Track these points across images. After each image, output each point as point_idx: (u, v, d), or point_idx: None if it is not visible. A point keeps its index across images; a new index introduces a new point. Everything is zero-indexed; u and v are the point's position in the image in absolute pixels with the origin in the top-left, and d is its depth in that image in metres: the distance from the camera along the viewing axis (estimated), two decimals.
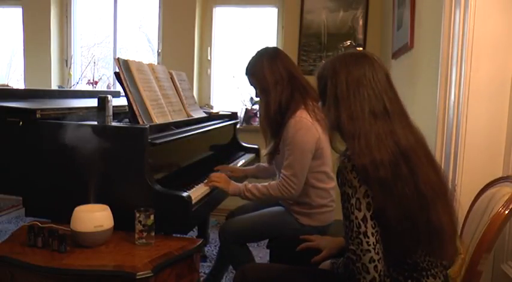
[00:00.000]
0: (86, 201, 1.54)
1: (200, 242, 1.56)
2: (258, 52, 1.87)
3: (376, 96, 1.12)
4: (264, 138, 1.91)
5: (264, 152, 1.98)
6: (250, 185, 1.78)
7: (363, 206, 1.07)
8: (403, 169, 1.07)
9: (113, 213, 1.49)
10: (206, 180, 1.84)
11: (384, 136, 1.09)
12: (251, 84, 1.90)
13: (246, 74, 1.89)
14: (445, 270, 1.18)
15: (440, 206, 1.11)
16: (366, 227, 1.07)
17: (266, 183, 1.77)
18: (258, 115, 1.92)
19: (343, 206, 1.11)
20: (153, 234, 1.48)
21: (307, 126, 1.72)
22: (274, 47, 1.93)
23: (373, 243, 1.07)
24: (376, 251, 1.07)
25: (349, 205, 1.08)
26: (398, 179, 1.06)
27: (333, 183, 1.85)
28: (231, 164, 2.33)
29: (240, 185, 1.81)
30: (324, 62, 1.23)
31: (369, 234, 1.07)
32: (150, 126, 1.62)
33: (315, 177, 1.78)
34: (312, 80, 2.39)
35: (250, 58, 1.88)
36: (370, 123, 1.10)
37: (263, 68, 1.80)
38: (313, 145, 1.72)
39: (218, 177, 1.84)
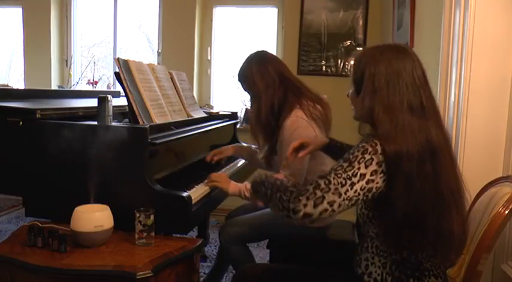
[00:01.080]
0: (86, 201, 1.54)
1: (200, 242, 1.56)
2: (247, 58, 1.88)
3: (414, 90, 1.11)
4: (257, 143, 1.91)
5: (258, 155, 1.98)
6: (250, 185, 1.77)
7: (371, 168, 1.05)
8: (427, 167, 1.06)
9: (113, 213, 1.49)
10: (206, 180, 1.84)
11: (417, 131, 1.08)
12: (244, 90, 1.90)
13: (238, 80, 1.90)
14: (445, 270, 1.19)
15: (455, 212, 1.10)
16: (358, 182, 1.05)
17: None
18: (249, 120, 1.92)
19: (353, 153, 1.07)
20: (153, 234, 1.48)
21: (304, 125, 1.72)
22: (262, 51, 1.91)
23: (347, 198, 1.05)
24: (339, 205, 1.04)
25: (361, 157, 1.06)
26: (422, 175, 1.05)
27: None
28: (231, 164, 2.33)
29: (240, 184, 1.81)
30: (361, 49, 1.21)
31: (355, 189, 1.05)
32: (150, 126, 1.62)
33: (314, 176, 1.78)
34: (313, 80, 2.39)
35: (241, 64, 1.89)
36: (407, 115, 1.09)
37: (252, 74, 1.80)
38: None
39: (218, 177, 1.83)
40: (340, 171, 1.06)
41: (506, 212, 1.17)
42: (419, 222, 1.07)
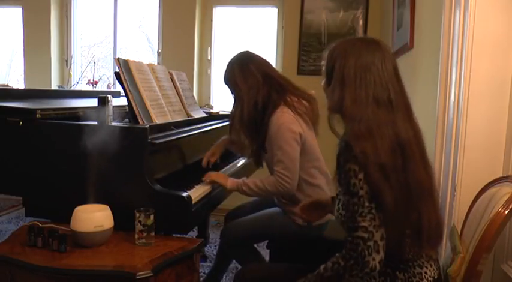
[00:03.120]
0: (86, 201, 1.54)
1: (200, 242, 1.56)
2: (230, 59, 1.88)
3: (381, 84, 1.12)
4: (237, 144, 1.92)
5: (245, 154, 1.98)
6: (248, 180, 1.78)
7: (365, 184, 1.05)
8: (398, 160, 1.07)
9: (113, 213, 1.49)
10: (204, 177, 1.84)
11: (384, 124, 1.08)
12: (231, 93, 1.90)
13: (224, 83, 1.90)
14: (432, 261, 1.19)
15: (425, 204, 1.11)
16: (374, 203, 1.05)
17: (264, 178, 1.76)
18: (230, 123, 1.92)
19: (348, 183, 1.07)
20: (153, 234, 1.48)
21: (290, 119, 1.73)
22: (244, 52, 1.90)
23: (380, 221, 1.05)
24: (383, 230, 1.05)
25: (357, 180, 1.06)
26: (394, 168, 1.06)
27: (325, 179, 1.85)
28: (231, 164, 2.33)
29: (238, 180, 1.81)
30: (334, 42, 1.21)
31: (378, 210, 1.05)
32: (150, 126, 1.62)
33: (306, 173, 1.78)
34: (313, 80, 2.39)
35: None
36: (372, 109, 1.10)
37: (234, 75, 1.81)
38: (298, 136, 1.72)
39: (216, 174, 1.85)
40: (360, 210, 1.06)
41: (506, 212, 1.17)
42: (395, 214, 1.07)
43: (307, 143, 1.77)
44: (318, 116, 1.86)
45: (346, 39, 1.21)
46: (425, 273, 1.16)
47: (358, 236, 1.06)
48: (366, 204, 1.06)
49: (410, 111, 1.16)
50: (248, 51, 1.90)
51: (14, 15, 4.18)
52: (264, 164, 1.94)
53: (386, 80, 1.12)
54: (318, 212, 1.54)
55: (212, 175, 1.85)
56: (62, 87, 3.93)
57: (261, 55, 1.90)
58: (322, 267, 1.14)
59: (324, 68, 1.24)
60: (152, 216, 1.46)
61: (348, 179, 1.08)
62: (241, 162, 2.41)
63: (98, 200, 1.54)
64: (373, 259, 1.04)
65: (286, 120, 1.72)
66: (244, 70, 1.80)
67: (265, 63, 1.86)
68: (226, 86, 1.90)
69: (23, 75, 4.09)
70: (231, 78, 1.83)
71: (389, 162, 1.05)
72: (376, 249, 1.04)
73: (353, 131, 1.09)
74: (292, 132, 1.71)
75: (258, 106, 1.78)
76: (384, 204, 1.05)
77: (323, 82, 1.25)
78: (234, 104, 1.88)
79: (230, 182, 1.80)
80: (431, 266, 1.18)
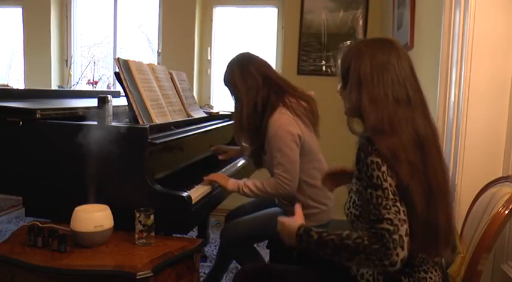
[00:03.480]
0: (86, 201, 1.54)
1: (200, 242, 1.56)
2: (230, 61, 1.88)
3: (399, 82, 1.11)
4: (239, 145, 1.94)
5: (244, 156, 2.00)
6: (248, 182, 1.78)
7: (392, 177, 1.04)
8: (417, 157, 1.06)
9: (113, 213, 1.49)
10: (205, 177, 1.84)
11: (404, 122, 1.08)
12: (231, 94, 1.90)
13: (224, 84, 1.90)
14: (437, 266, 1.18)
15: (440, 203, 1.10)
16: (399, 196, 1.03)
17: (264, 180, 1.76)
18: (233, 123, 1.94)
19: (371, 176, 1.05)
20: (153, 234, 1.48)
21: (288, 121, 1.73)
22: (244, 53, 1.91)
23: (404, 211, 1.03)
24: (407, 226, 1.02)
25: (380, 173, 1.04)
26: (416, 164, 1.05)
27: None
28: (231, 164, 2.33)
29: (238, 181, 1.81)
30: (348, 44, 1.21)
31: (403, 203, 1.03)
32: (150, 126, 1.62)
33: (307, 174, 1.78)
34: (313, 80, 2.38)
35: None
36: (393, 107, 1.09)
37: (234, 76, 1.82)
38: (296, 137, 1.72)
39: (217, 174, 1.86)
40: (384, 203, 1.03)
41: (506, 212, 1.17)
42: (412, 213, 1.05)
43: (307, 144, 1.76)
44: (318, 117, 1.86)
45: (359, 41, 1.21)
46: (430, 278, 1.14)
47: (384, 228, 1.01)
48: (391, 196, 1.03)
49: (427, 109, 1.15)
50: (248, 53, 1.91)
51: (14, 15, 4.18)
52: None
53: (404, 78, 1.12)
54: (339, 180, 1.54)
55: (213, 176, 1.85)
56: (62, 87, 3.93)
57: (260, 56, 1.90)
58: (345, 233, 1.09)
59: (338, 72, 1.22)
60: (152, 216, 1.46)
61: (370, 171, 1.05)
62: (241, 162, 2.41)
63: (98, 200, 1.54)
64: (397, 255, 0.99)
65: (284, 122, 1.72)
66: (244, 71, 1.80)
67: (265, 65, 1.87)
68: (226, 88, 1.90)
69: (23, 75, 4.09)
70: (230, 80, 1.84)
71: (415, 160, 1.05)
72: (402, 244, 1.00)
73: (376, 128, 1.08)
74: (291, 134, 1.71)
75: (257, 107, 1.78)
76: (412, 203, 1.04)
77: (339, 86, 1.23)
78: (234, 105, 1.89)
79: (231, 183, 1.80)
80: (436, 271, 1.17)
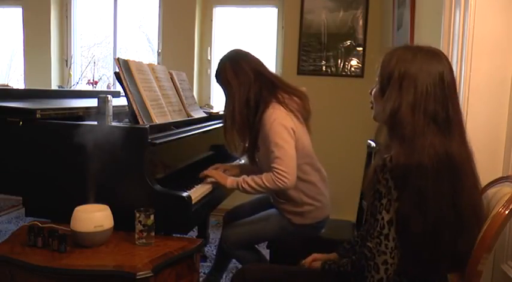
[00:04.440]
0: (86, 201, 1.54)
1: (200, 242, 1.56)
2: (222, 57, 1.90)
3: (442, 100, 1.05)
4: (232, 142, 1.90)
5: (236, 153, 1.98)
6: (248, 178, 1.77)
7: (392, 209, 1.04)
8: (444, 184, 1.02)
9: (113, 213, 1.49)
10: (205, 180, 1.84)
11: (438, 144, 1.03)
12: (223, 91, 1.90)
13: (216, 81, 1.91)
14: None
15: (468, 233, 1.09)
16: (389, 230, 1.05)
17: (262, 175, 1.75)
18: (223, 120, 1.92)
19: (372, 203, 1.07)
20: (153, 234, 1.48)
21: (282, 115, 1.73)
22: (236, 49, 1.93)
23: (391, 247, 1.05)
24: (391, 256, 1.05)
25: (379, 204, 1.05)
26: (438, 193, 1.02)
27: (319, 175, 1.85)
28: (232, 164, 2.33)
29: (237, 178, 1.81)
30: (391, 48, 1.15)
31: (390, 238, 1.05)
32: (150, 126, 1.62)
33: (299, 169, 1.77)
34: (313, 80, 2.38)
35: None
36: (429, 125, 1.04)
37: (226, 72, 1.83)
38: (291, 130, 1.72)
39: (216, 172, 1.85)
40: (372, 230, 1.08)
41: (507, 212, 1.16)
42: (437, 242, 1.05)
43: (299, 139, 1.76)
44: (310, 113, 1.87)
45: (404, 47, 1.15)
46: None
47: (363, 252, 1.10)
48: (378, 229, 1.06)
49: (465, 133, 1.11)
50: (240, 49, 1.92)
51: (14, 15, 4.18)
52: None
53: (446, 96, 1.06)
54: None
55: (212, 173, 1.85)
56: (62, 87, 3.93)
57: (256, 55, 1.91)
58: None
59: (377, 75, 1.16)
60: (152, 216, 1.46)
61: (372, 199, 1.08)
62: (241, 162, 2.41)
63: (98, 200, 1.54)
64: (372, 277, 1.07)
65: (278, 116, 1.72)
66: (236, 67, 1.82)
67: (257, 61, 1.88)
68: (218, 84, 1.91)
69: (23, 75, 4.09)
70: (222, 76, 1.85)
71: (430, 187, 1.02)
72: (376, 269, 1.06)
73: (399, 148, 1.05)
74: (286, 127, 1.71)
75: (249, 103, 1.78)
76: (409, 230, 1.04)
77: (375, 90, 1.18)
78: (225, 102, 1.88)
79: (230, 181, 1.80)
80: None
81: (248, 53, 1.89)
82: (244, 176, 1.79)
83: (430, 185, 1.01)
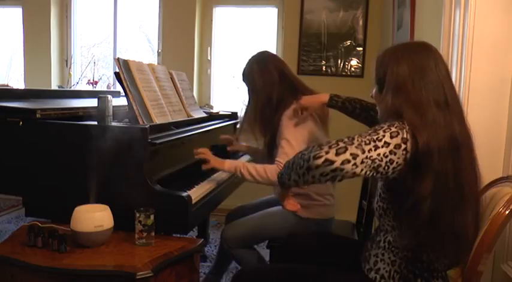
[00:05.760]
0: (86, 201, 1.54)
1: (200, 242, 1.56)
2: (249, 58, 1.98)
3: (438, 86, 1.10)
4: (254, 136, 1.99)
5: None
6: (249, 164, 1.77)
7: (395, 141, 1.03)
8: (449, 163, 1.05)
9: (113, 213, 1.49)
10: (206, 180, 1.84)
11: (443, 126, 1.06)
12: (248, 90, 1.98)
13: (242, 80, 2.00)
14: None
15: (471, 211, 1.09)
16: (382, 147, 1.03)
17: (266, 166, 1.74)
18: (244, 116, 2.02)
19: (379, 124, 1.08)
20: (153, 234, 1.48)
21: (301, 116, 1.78)
22: (264, 51, 2.01)
23: (371, 158, 1.02)
24: (363, 162, 1.02)
25: (388, 128, 1.05)
26: (444, 171, 1.04)
27: None
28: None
29: (237, 162, 1.81)
30: (383, 50, 1.20)
31: (379, 151, 1.02)
32: (150, 126, 1.61)
33: None
34: (313, 80, 2.39)
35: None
36: (432, 112, 1.07)
37: (252, 71, 1.91)
38: (305, 133, 1.77)
39: (213, 158, 1.82)
40: (365, 134, 1.05)
41: (507, 212, 1.16)
42: (438, 219, 1.05)
43: (315, 140, 1.78)
44: (328, 116, 1.93)
45: (394, 46, 1.19)
46: None
47: (340, 139, 1.06)
48: (377, 142, 1.03)
49: (463, 114, 1.14)
50: (267, 51, 2.02)
51: (14, 15, 4.18)
52: None
53: (442, 82, 1.10)
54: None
55: (208, 155, 1.82)
56: (62, 87, 3.93)
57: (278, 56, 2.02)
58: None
59: (374, 77, 1.21)
60: (152, 216, 1.46)
61: (381, 124, 1.08)
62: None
63: (98, 200, 1.54)
64: (327, 152, 1.03)
65: (297, 116, 1.78)
66: (262, 67, 1.90)
67: (283, 63, 1.97)
68: (244, 84, 1.99)
69: (23, 75, 4.09)
70: (249, 74, 1.93)
71: (442, 168, 1.04)
72: (340, 152, 1.02)
73: (414, 123, 1.06)
74: (301, 128, 1.77)
75: (271, 102, 1.85)
76: (420, 208, 1.03)
77: (374, 90, 1.23)
78: (248, 99, 1.97)
79: (227, 164, 1.79)
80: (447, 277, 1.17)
81: (275, 55, 2.01)
82: (245, 162, 1.80)
83: (441, 164, 1.03)
